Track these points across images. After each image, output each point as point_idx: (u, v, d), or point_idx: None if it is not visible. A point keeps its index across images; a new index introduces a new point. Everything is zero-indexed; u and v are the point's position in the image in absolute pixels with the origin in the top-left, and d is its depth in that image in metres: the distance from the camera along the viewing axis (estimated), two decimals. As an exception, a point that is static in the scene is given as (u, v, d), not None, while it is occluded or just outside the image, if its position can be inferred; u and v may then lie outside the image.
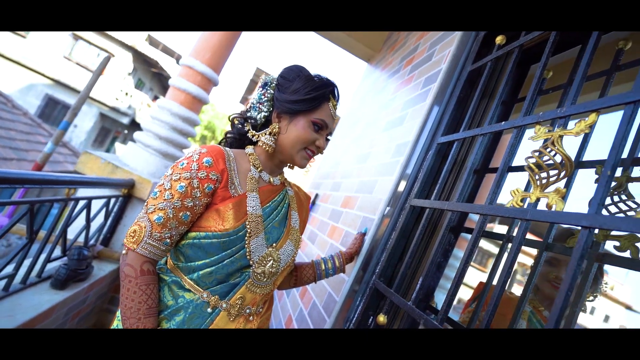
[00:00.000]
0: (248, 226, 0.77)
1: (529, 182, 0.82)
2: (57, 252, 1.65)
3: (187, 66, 2.39)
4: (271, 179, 0.89)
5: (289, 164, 0.92)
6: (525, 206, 0.67)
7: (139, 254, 0.72)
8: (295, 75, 0.87)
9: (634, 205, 0.68)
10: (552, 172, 0.64)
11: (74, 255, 1.63)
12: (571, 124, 0.65)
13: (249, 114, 0.89)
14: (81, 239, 1.84)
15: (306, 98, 0.83)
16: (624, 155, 0.76)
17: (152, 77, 17.44)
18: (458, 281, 0.73)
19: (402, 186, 1.15)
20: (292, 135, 0.84)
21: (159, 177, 2.34)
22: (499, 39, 1.04)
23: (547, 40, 0.83)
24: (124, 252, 0.74)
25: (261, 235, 0.80)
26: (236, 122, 0.92)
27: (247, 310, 0.82)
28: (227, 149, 0.82)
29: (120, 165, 2.13)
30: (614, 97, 0.57)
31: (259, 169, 0.87)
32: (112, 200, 1.98)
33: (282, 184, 0.94)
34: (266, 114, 0.87)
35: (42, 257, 1.51)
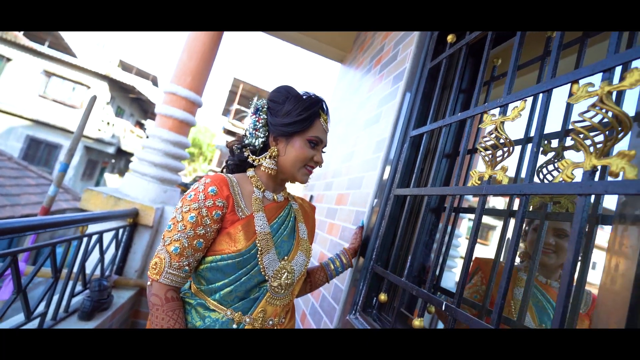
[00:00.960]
0: (258, 244, 0.83)
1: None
2: (79, 286, 1.76)
3: (171, 93, 2.50)
4: (275, 197, 0.94)
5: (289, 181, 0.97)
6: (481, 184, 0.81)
7: (162, 283, 0.78)
8: (284, 97, 0.90)
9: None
10: (499, 153, 0.78)
11: (95, 287, 1.74)
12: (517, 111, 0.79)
13: (247, 141, 0.92)
14: (97, 271, 1.95)
15: (299, 119, 0.87)
16: (559, 128, 0.91)
17: (131, 103, 17.34)
18: (438, 254, 0.86)
19: (385, 179, 1.28)
20: (291, 156, 0.89)
21: (159, 202, 2.45)
22: (450, 38, 1.18)
23: (487, 37, 0.97)
24: (149, 283, 0.80)
25: (272, 251, 0.85)
26: (234, 149, 0.97)
27: (270, 322, 0.87)
28: (229, 175, 0.88)
29: (121, 197, 2.23)
30: (532, 87, 0.71)
31: (262, 190, 0.91)
32: (121, 231, 2.09)
33: (286, 199, 0.99)
34: (263, 140, 0.91)
35: (67, 292, 1.62)
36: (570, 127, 0.85)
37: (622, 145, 0.59)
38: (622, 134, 0.54)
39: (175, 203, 2.68)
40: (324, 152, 0.97)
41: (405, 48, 1.57)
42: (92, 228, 1.73)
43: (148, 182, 2.41)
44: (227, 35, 2.81)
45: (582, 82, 0.62)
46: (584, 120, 0.58)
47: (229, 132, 19.04)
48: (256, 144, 0.90)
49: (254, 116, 0.91)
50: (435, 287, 1.03)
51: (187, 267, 0.80)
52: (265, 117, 0.91)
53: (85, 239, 1.63)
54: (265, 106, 0.92)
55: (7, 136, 12.65)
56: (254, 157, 0.92)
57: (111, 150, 14.89)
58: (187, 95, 2.49)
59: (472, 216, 0.96)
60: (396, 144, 1.30)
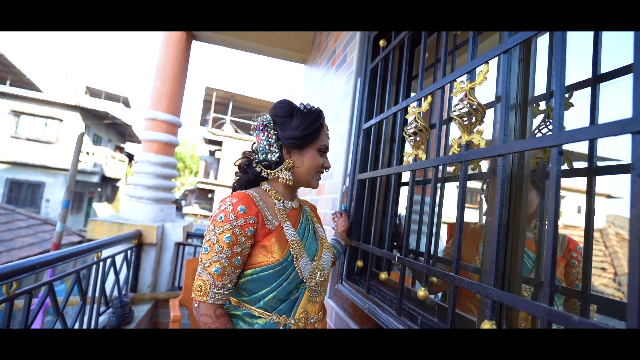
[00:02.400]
0: (293, 252, 0.89)
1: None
2: (102, 306, 1.97)
3: (151, 119, 2.68)
4: (292, 205, 1.00)
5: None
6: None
7: (210, 303, 0.82)
8: (290, 112, 0.95)
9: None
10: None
11: (117, 304, 1.95)
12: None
13: (261, 157, 0.96)
14: (114, 291, 2.16)
15: (309, 132, 0.93)
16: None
17: (107, 129, 17.15)
18: (397, 222, 1.12)
19: (349, 168, 1.53)
20: (306, 166, 0.96)
21: (159, 221, 2.65)
22: (382, 43, 1.41)
23: (418, 36, 1.21)
24: (195, 305, 0.84)
25: (305, 255, 0.92)
26: (245, 165, 1.01)
27: (312, 320, 0.93)
28: (250, 191, 0.92)
29: (124, 222, 2.43)
30: (480, 57, 0.96)
31: (282, 200, 0.97)
32: (129, 252, 2.30)
33: (300, 205, 1.06)
34: (278, 154, 0.95)
35: (94, 312, 1.83)
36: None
37: (487, 124, 0.83)
38: (481, 117, 0.79)
39: (173, 220, 2.89)
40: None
41: (352, 51, 1.80)
42: (105, 253, 1.94)
43: (145, 204, 2.61)
44: (194, 46, 2.96)
45: (459, 79, 0.86)
46: (462, 108, 0.82)
47: (210, 142, 19.01)
48: (273, 158, 0.94)
49: (265, 133, 0.94)
50: (410, 252, 1.28)
51: (229, 285, 0.84)
52: (275, 132, 0.95)
53: (101, 263, 1.84)
54: (272, 122, 0.95)
55: (-13, 184, 12.46)
56: (268, 171, 0.96)
57: (95, 179, 14.79)
58: (166, 118, 2.67)
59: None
60: (354, 137, 1.54)
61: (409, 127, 1.04)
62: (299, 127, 0.93)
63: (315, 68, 2.82)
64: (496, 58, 0.77)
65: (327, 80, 2.32)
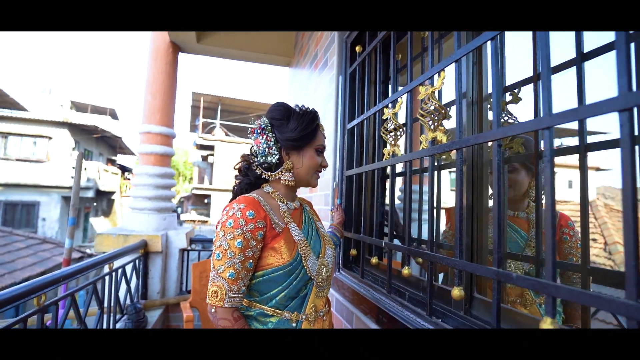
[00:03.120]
0: (301, 252, 0.92)
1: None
2: (117, 314, 2.09)
3: (145, 132, 2.78)
4: (294, 205, 1.03)
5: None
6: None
7: (227, 307, 0.85)
8: (286, 114, 0.97)
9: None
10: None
11: (132, 311, 2.07)
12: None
13: (261, 160, 0.98)
14: (127, 299, 2.27)
15: (306, 133, 0.96)
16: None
17: (97, 143, 17.06)
18: (384, 212, 1.25)
19: (337, 165, 1.66)
20: (306, 166, 0.98)
21: (162, 229, 2.76)
22: (358, 48, 1.54)
23: (388, 40, 1.34)
24: (212, 310, 0.86)
25: (311, 254, 0.95)
26: (245, 168, 1.03)
27: (321, 313, 0.98)
28: (255, 195, 0.94)
29: (129, 233, 2.54)
30: (438, 65, 1.08)
31: (285, 202, 1.00)
32: (137, 261, 2.41)
33: (301, 204, 1.09)
34: (278, 156, 0.97)
35: (110, 320, 1.95)
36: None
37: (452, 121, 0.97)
38: (442, 116, 0.92)
39: (175, 227, 3.00)
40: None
41: (332, 55, 1.92)
42: (116, 264, 2.05)
43: (148, 215, 2.72)
44: (180, 56, 3.03)
45: (427, 82, 0.99)
46: (426, 109, 0.95)
47: (202, 147, 18.99)
48: (273, 160, 0.96)
49: (263, 136, 0.96)
50: (397, 237, 1.42)
51: (243, 288, 0.87)
52: (273, 134, 0.97)
53: (113, 274, 1.96)
54: (269, 125, 0.97)
55: (-19, 207, 12.38)
56: (269, 173, 0.99)
57: (90, 194, 14.75)
58: (160, 131, 2.78)
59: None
60: (339, 136, 1.67)
61: (385, 126, 1.17)
62: (297, 128, 0.95)
63: (300, 70, 2.93)
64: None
65: (312, 82, 2.43)
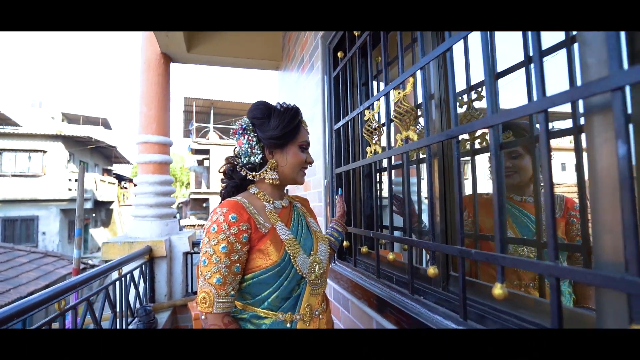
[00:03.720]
0: (289, 250, 0.90)
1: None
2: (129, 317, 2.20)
3: (143, 142, 2.88)
4: (282, 203, 1.01)
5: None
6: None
7: (217, 313, 0.84)
8: (267, 112, 0.96)
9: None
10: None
11: (142, 313, 2.18)
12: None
13: (245, 160, 0.97)
14: (136, 303, 2.39)
15: (288, 130, 0.94)
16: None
17: (92, 153, 17.05)
18: (374, 204, 1.36)
19: (327, 163, 1.77)
20: (290, 164, 0.97)
21: (165, 235, 2.87)
22: (339, 54, 1.65)
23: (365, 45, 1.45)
24: (203, 317, 0.86)
25: (301, 252, 0.93)
26: (230, 171, 1.02)
27: (316, 312, 0.96)
28: (239, 198, 0.94)
29: (134, 241, 2.65)
30: (406, 72, 1.20)
31: (271, 201, 0.98)
32: (143, 266, 2.52)
33: (290, 202, 1.07)
34: (261, 155, 0.96)
35: (123, 323, 2.06)
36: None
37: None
38: (413, 117, 1.04)
39: (177, 232, 3.11)
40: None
41: (317, 60, 2.03)
42: (124, 270, 2.16)
43: (150, 222, 2.82)
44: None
45: (400, 86, 1.11)
46: (399, 112, 1.07)
47: (197, 152, 19.03)
48: (256, 160, 0.96)
49: (245, 136, 0.96)
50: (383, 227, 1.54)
51: (232, 292, 0.86)
52: (255, 134, 0.96)
53: (123, 279, 2.07)
54: (250, 124, 0.96)
55: (-20, 225, 12.39)
56: (253, 173, 0.98)
57: (88, 205, 14.78)
58: (157, 140, 2.88)
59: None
60: (328, 136, 1.78)
61: (367, 127, 1.29)
62: (278, 126, 0.93)
63: (289, 73, 3.03)
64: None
65: (300, 85, 2.54)
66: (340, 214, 1.34)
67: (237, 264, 0.85)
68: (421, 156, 1.28)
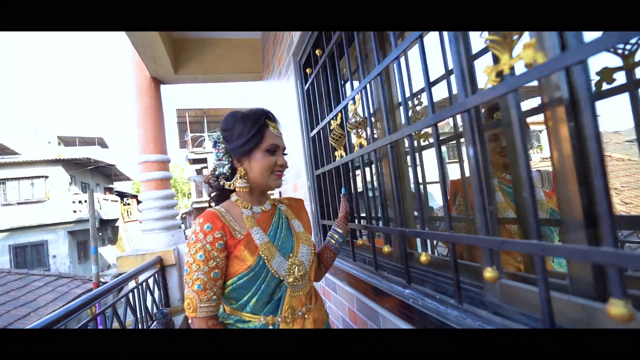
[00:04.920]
0: (262, 254, 0.93)
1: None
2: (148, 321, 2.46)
3: (143, 162, 3.12)
4: (262, 208, 1.04)
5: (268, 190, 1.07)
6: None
7: (200, 317, 0.89)
8: (232, 122, 0.99)
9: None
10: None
11: (160, 316, 2.44)
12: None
13: (217, 172, 1.03)
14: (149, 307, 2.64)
15: (250, 136, 0.96)
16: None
17: (92, 174, 17.29)
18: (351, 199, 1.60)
19: (307, 167, 2.01)
20: (257, 169, 0.98)
21: (173, 244, 3.12)
22: (308, 70, 1.88)
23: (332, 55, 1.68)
24: (190, 321, 0.92)
25: (277, 255, 0.95)
26: (212, 182, 1.07)
27: (299, 313, 0.98)
28: (217, 207, 0.99)
29: (145, 252, 2.90)
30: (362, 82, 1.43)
31: (249, 207, 1.02)
32: (156, 275, 2.78)
33: (273, 205, 1.10)
34: (229, 165, 1.01)
35: (144, 326, 2.31)
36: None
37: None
38: (364, 127, 1.27)
39: (183, 241, 3.35)
40: (286, 154, 1.07)
41: (291, 74, 2.25)
42: (140, 279, 2.41)
43: (158, 234, 3.07)
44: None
45: (357, 98, 1.34)
46: (353, 123, 1.30)
47: (195, 161, 19.25)
48: (224, 171, 1.01)
49: (215, 149, 1.02)
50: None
51: (214, 297, 0.90)
52: (224, 145, 1.01)
53: (139, 287, 2.32)
54: (220, 137, 1.01)
55: (-7, 254, 12.68)
56: (228, 182, 1.02)
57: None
58: (157, 158, 3.12)
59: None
60: (306, 143, 2.02)
61: (332, 135, 1.52)
62: (241, 134, 0.96)
63: (270, 83, 3.25)
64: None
65: (280, 95, 2.77)
66: (343, 215, 1.32)
67: (216, 270, 0.90)
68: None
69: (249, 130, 0.96)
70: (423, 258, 0.92)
